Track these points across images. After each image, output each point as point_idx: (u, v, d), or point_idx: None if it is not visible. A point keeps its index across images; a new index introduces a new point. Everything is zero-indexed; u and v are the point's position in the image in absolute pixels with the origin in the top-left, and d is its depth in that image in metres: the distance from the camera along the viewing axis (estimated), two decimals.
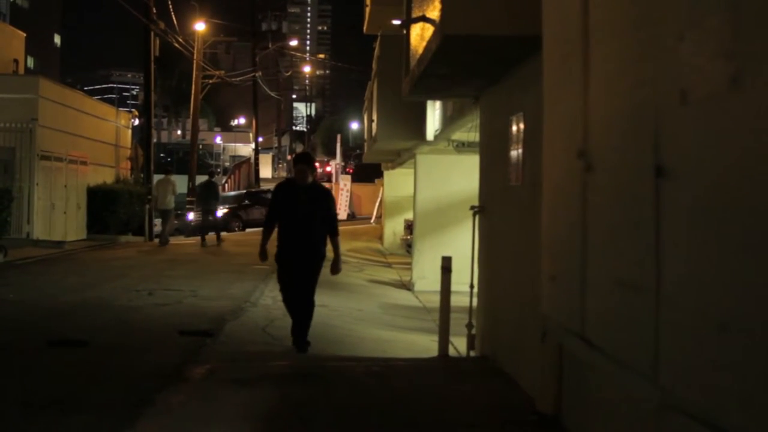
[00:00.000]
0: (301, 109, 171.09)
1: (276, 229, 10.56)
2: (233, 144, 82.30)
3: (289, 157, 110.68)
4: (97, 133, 31.37)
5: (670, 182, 3.87)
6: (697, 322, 3.60)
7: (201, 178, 32.93)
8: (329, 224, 10.47)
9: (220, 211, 30.35)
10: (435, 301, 12.17)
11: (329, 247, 10.58)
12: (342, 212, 48.75)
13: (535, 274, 6.96)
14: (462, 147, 16.50)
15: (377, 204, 43.79)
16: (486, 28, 7.54)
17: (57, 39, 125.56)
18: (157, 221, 30.73)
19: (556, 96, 6.11)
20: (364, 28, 24.86)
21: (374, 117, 21.59)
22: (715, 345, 3.43)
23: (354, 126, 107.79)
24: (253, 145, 69.03)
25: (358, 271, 23.12)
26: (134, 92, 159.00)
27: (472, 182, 11.91)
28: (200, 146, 56.73)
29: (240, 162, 69.96)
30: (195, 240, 28.94)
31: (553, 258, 6.11)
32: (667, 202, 3.91)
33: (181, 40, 38.66)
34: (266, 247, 10.66)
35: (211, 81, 46.36)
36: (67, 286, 15.49)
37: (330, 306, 15.15)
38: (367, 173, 53.21)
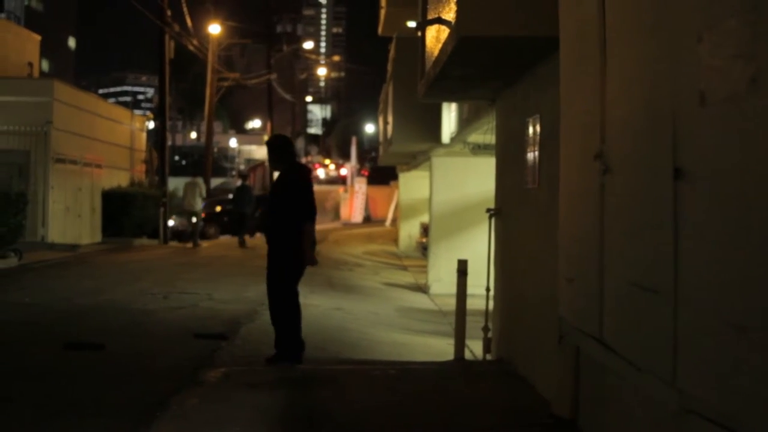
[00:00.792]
0: (316, 111, 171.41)
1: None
2: (248, 146, 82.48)
3: (304, 160, 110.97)
4: (111, 136, 31.44)
5: (688, 184, 3.85)
6: (716, 325, 3.57)
7: (216, 181, 33.16)
8: (297, 212, 9.32)
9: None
10: (451, 304, 12.14)
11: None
12: (357, 215, 48.81)
13: (552, 276, 6.94)
14: (478, 149, 16.45)
15: (392, 207, 43.79)
16: (502, 30, 7.51)
17: (72, 42, 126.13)
18: (172, 220, 31.02)
19: (573, 98, 6.09)
20: (379, 30, 24.86)
21: (389, 119, 21.57)
22: (734, 348, 3.40)
23: (369, 128, 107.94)
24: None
25: (373, 274, 23.11)
26: (149, 95, 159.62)
27: (488, 185, 11.87)
28: (215, 149, 56.85)
29: (254, 165, 70.09)
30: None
31: (571, 260, 6.08)
32: (686, 204, 3.89)
33: (195, 42, 38.75)
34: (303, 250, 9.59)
35: (225, 83, 46.40)
36: (82, 290, 15.52)
37: (345, 309, 15.15)
38: (382, 176, 53.24)
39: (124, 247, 27.41)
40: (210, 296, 14.94)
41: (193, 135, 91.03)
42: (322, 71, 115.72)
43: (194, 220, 28.62)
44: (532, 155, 8.68)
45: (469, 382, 9.08)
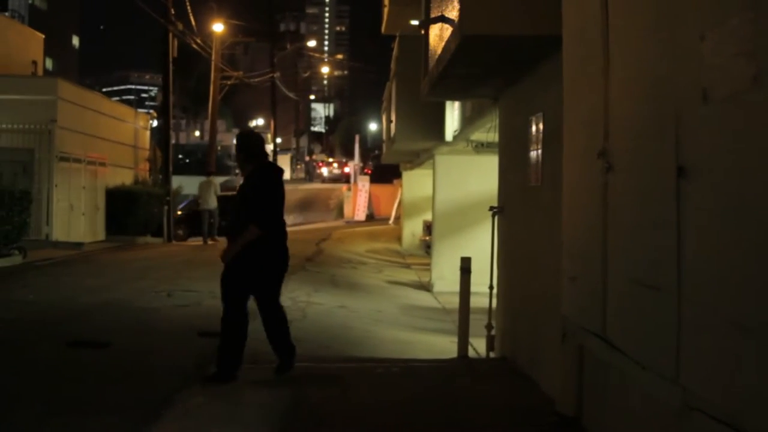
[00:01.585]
0: (320, 110, 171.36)
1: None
2: None
3: (307, 159, 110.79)
4: (115, 135, 31.45)
5: (691, 182, 3.85)
6: (719, 323, 3.58)
7: (219, 179, 33.24)
8: (246, 213, 8.31)
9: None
10: (454, 302, 12.13)
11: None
12: (361, 213, 48.76)
13: (555, 274, 6.94)
14: (481, 147, 16.47)
15: (396, 205, 43.75)
16: (505, 28, 7.52)
17: (75, 40, 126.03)
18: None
19: (576, 96, 6.10)
20: (383, 28, 24.86)
21: (393, 117, 21.59)
22: (737, 345, 3.41)
23: (373, 127, 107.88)
24: (271, 146, 69.11)
25: (377, 272, 23.11)
26: (153, 93, 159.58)
27: (491, 183, 11.88)
28: (219, 147, 56.79)
29: None
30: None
31: (574, 259, 6.09)
32: (689, 202, 3.89)
33: (199, 41, 38.70)
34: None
35: (229, 82, 46.37)
36: (86, 288, 15.53)
37: (349, 307, 15.16)
38: (385, 174, 53.14)
39: (128, 245, 27.42)
40: (213, 294, 14.83)
41: (197, 133, 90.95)
42: (325, 69, 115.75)
43: (212, 217, 28.84)
44: (535, 153, 8.68)
45: (472, 380, 9.08)
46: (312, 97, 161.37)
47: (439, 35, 9.53)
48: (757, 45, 3.23)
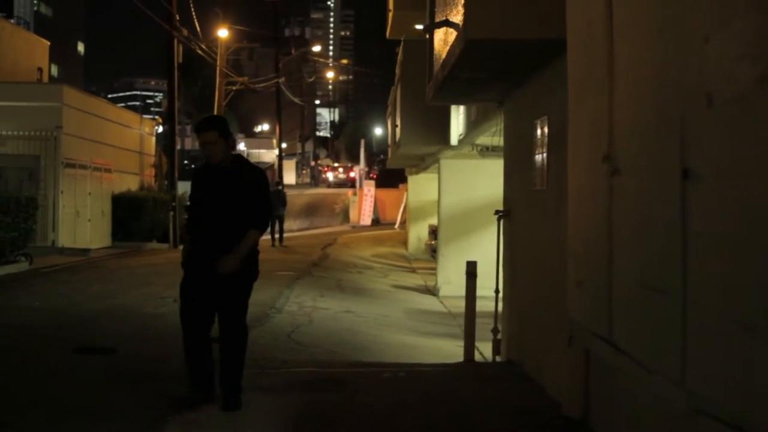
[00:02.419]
0: (325, 114, 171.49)
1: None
2: (257, 150, 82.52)
3: (312, 163, 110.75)
4: (121, 141, 31.50)
5: (696, 185, 3.85)
6: (725, 325, 3.58)
7: None
8: (253, 213, 7.42)
9: None
10: (460, 306, 12.14)
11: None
12: (366, 218, 48.77)
13: (560, 278, 6.94)
14: (486, 151, 16.48)
15: (401, 209, 43.78)
16: (509, 32, 7.53)
17: (81, 47, 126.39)
18: None
19: (581, 99, 6.10)
20: (387, 33, 24.87)
21: (398, 122, 21.60)
22: (744, 347, 3.40)
23: (378, 131, 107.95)
24: (276, 151, 69.15)
25: (382, 277, 23.12)
26: (158, 99, 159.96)
27: (496, 186, 11.88)
28: None
29: (264, 168, 70.16)
30: None
31: (579, 262, 6.09)
32: (694, 204, 3.89)
33: (204, 46, 38.74)
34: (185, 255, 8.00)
35: (234, 87, 46.35)
36: (92, 294, 15.55)
37: (356, 312, 15.16)
38: (391, 178, 53.24)
39: (135, 251, 27.45)
40: None
41: None
42: (330, 74, 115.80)
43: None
44: (540, 157, 8.69)
45: (478, 384, 9.08)
46: (317, 102, 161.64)
47: (443, 39, 9.53)
48: (761, 47, 3.23)
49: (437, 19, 9.86)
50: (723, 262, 3.62)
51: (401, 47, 20.47)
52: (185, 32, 34.22)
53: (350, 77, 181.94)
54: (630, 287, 4.89)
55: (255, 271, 7.62)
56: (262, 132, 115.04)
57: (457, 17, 8.11)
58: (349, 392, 8.29)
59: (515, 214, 10.40)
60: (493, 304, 10.97)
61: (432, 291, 20.19)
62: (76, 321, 12.35)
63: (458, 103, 15.52)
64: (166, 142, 35.91)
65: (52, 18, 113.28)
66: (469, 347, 10.75)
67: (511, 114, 10.67)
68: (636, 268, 4.80)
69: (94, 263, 22.86)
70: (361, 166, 66.17)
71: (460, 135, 17.36)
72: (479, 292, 10.89)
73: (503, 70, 9.07)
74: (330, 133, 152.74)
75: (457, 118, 17.58)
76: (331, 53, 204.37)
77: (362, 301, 16.95)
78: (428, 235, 29.68)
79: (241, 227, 7.35)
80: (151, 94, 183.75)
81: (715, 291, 3.70)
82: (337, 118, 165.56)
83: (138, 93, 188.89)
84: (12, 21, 54.49)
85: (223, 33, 41.33)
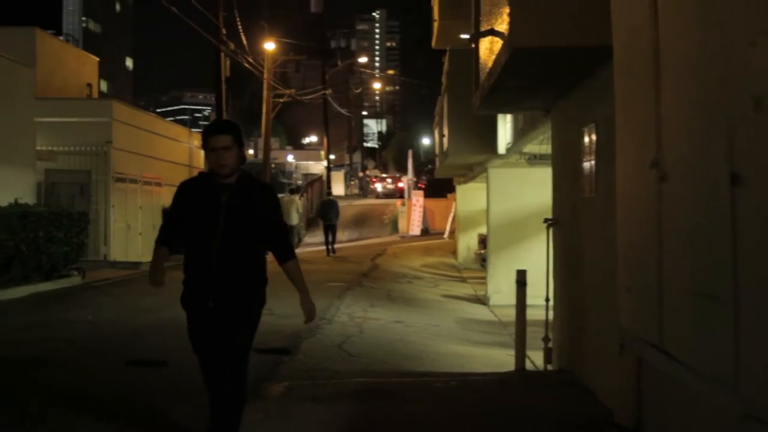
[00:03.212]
0: (372, 125, 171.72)
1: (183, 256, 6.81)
2: (305, 162, 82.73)
3: (361, 174, 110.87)
4: (170, 155, 31.83)
5: (745, 190, 3.83)
6: None
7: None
8: (277, 243, 6.54)
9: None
10: (511, 315, 12.12)
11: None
12: (415, 228, 48.74)
13: (611, 285, 6.91)
14: (534, 159, 16.42)
15: (450, 219, 43.71)
16: (554, 40, 7.51)
17: (129, 62, 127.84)
18: None
19: (628, 106, 6.07)
20: (433, 43, 24.90)
21: (445, 131, 21.61)
22: None
23: (425, 141, 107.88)
24: (324, 163, 69.46)
25: (432, 287, 23.12)
26: (206, 113, 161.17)
27: (545, 195, 11.85)
28: (273, 165, 57.17)
29: (312, 180, 70.30)
30: None
31: (630, 270, 6.06)
32: (744, 210, 3.87)
33: (251, 60, 39.01)
34: (156, 273, 7.33)
35: (281, 100, 46.68)
36: (143, 307, 15.68)
37: (406, 322, 15.18)
38: (439, 188, 53.17)
39: None
40: (270, 311, 14.94)
41: (251, 151, 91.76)
42: (377, 85, 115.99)
43: (291, 233, 30.35)
44: (588, 164, 8.66)
45: (530, 393, 9.05)
46: (364, 113, 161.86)
47: (489, 48, 9.54)
48: None
49: (482, 29, 9.86)
50: None
51: (447, 57, 20.50)
52: (232, 46, 34.51)
53: (397, 88, 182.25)
54: (680, 293, 4.86)
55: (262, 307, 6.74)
56: (310, 144, 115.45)
57: (502, 26, 8.11)
58: (400, 402, 8.30)
59: (564, 222, 10.36)
60: (544, 312, 10.94)
61: (482, 300, 20.16)
62: (128, 334, 12.49)
63: (505, 111, 15.49)
64: None
65: (100, 34, 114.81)
66: (521, 356, 10.72)
67: (559, 122, 10.64)
68: (686, 274, 4.77)
69: (145, 276, 23.04)
70: (410, 176, 66.10)
71: (508, 144, 17.33)
72: (529, 301, 10.87)
73: (549, 78, 9.05)
74: (377, 144, 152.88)
75: (504, 126, 17.56)
76: (377, 64, 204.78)
77: (412, 311, 16.96)
78: (477, 245, 29.61)
79: (256, 256, 6.46)
80: (199, 107, 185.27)
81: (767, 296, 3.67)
82: (384, 128, 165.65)
83: (186, 107, 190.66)
84: (61, 38, 55.18)
85: (269, 46, 41.61)
